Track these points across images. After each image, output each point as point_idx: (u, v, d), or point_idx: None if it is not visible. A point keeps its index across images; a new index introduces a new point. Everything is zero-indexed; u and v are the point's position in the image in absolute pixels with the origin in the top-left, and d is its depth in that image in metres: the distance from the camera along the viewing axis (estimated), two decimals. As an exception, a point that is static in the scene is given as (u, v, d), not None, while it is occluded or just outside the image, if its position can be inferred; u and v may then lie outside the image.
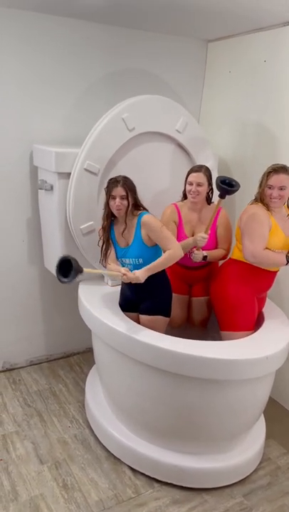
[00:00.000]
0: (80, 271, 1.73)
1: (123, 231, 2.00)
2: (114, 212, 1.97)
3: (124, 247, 2.02)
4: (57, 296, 2.80)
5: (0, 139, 2.36)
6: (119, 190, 1.93)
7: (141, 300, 2.07)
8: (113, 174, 2.25)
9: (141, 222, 1.96)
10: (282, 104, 2.36)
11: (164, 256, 1.93)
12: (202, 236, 2.09)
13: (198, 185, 2.11)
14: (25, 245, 2.61)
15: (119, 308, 2.12)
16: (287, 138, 2.35)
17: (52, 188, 2.26)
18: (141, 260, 1.99)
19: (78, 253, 2.32)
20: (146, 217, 1.95)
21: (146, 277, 1.89)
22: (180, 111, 2.38)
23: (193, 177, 2.13)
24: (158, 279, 2.01)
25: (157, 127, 2.32)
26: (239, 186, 2.03)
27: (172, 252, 1.92)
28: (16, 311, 2.71)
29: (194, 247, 2.13)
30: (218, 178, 2.05)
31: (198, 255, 2.13)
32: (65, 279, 1.74)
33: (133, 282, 1.90)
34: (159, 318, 2.04)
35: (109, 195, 1.96)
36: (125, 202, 1.94)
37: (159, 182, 2.44)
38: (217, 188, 2.05)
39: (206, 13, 2.18)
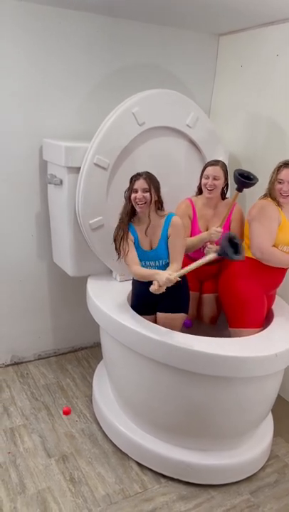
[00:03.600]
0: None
1: (146, 229, 1.93)
2: (136, 207, 1.90)
3: (150, 250, 1.96)
4: (65, 290, 2.80)
5: (10, 133, 2.36)
6: (141, 183, 1.87)
7: (160, 298, 1.94)
8: (123, 169, 2.25)
9: (172, 222, 1.90)
10: (295, 99, 2.33)
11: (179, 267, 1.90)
12: (216, 230, 2.06)
13: (215, 178, 2.09)
14: (34, 240, 2.62)
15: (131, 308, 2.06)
16: (299, 133, 2.32)
17: (61, 182, 2.25)
18: (164, 261, 1.95)
19: (87, 248, 2.32)
20: (177, 219, 1.91)
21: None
22: (191, 105, 2.36)
23: (210, 170, 2.10)
24: None
25: (168, 122, 2.30)
26: (257, 180, 1.99)
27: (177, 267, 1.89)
28: (25, 305, 2.72)
29: (208, 241, 2.11)
30: (236, 170, 2.01)
31: (212, 250, 2.08)
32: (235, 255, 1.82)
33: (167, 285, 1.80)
34: (179, 316, 2.00)
35: (131, 190, 1.90)
36: (148, 195, 1.87)
37: (169, 177, 2.42)
38: (235, 180, 2.01)
39: (218, 7, 2.15)
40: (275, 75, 2.43)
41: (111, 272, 2.43)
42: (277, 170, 1.96)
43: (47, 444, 2.15)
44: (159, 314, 2.03)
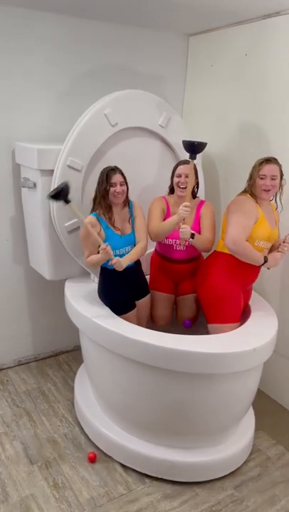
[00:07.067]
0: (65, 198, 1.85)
1: (129, 219, 2.10)
2: (114, 199, 2.00)
3: (124, 235, 2.07)
4: (43, 294, 2.77)
5: (-19, 136, 2.32)
6: (118, 177, 1.99)
7: (138, 285, 2.19)
8: (97, 170, 2.23)
9: (135, 207, 2.11)
10: (265, 97, 2.36)
11: (139, 247, 2.08)
12: (184, 205, 2.00)
13: (187, 176, 2.10)
14: (9, 244, 2.58)
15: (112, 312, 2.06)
16: (270, 132, 2.35)
17: (35, 185, 2.23)
18: (130, 248, 2.09)
19: (63, 251, 2.30)
20: (137, 202, 2.11)
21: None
22: (163, 105, 2.37)
23: (182, 169, 2.13)
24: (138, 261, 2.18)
25: (140, 122, 2.31)
26: (206, 143, 2.03)
27: (144, 246, 2.09)
28: (2, 311, 2.68)
29: (180, 222, 2.06)
30: (183, 140, 2.04)
31: (185, 229, 2.03)
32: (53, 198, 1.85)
33: (118, 269, 1.97)
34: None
35: (107, 183, 1.98)
36: (125, 188, 2.02)
37: (144, 177, 2.43)
38: (184, 147, 2.02)
39: (187, 7, 2.17)
40: (245, 74, 2.46)
41: (89, 274, 2.42)
42: (259, 166, 2.00)
43: (29, 450, 2.12)
44: (142, 300, 2.20)
